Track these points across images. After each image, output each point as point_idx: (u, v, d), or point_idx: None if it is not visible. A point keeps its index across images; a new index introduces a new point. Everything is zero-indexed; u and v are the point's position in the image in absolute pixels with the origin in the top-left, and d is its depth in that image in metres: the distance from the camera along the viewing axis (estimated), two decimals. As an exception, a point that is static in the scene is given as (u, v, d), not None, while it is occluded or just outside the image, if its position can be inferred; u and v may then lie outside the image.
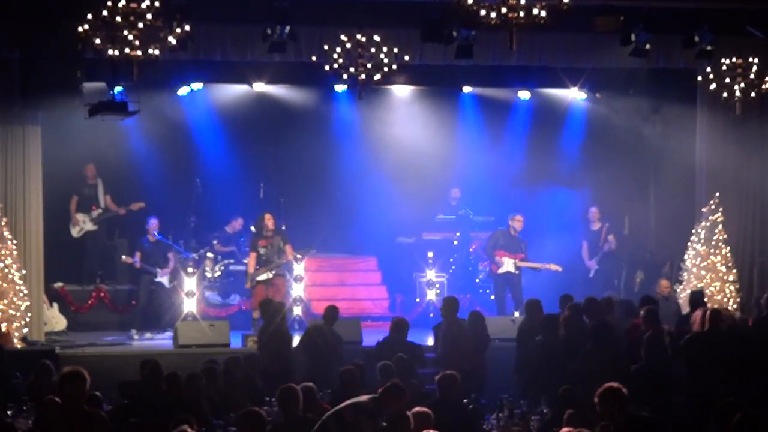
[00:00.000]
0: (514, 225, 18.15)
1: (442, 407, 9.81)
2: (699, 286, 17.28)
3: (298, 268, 17.55)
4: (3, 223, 15.96)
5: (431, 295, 18.75)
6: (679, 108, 18.78)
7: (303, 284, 17.62)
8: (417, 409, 9.05)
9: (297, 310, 17.39)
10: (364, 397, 9.35)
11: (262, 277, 17.13)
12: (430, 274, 19.00)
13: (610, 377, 11.65)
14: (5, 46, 15.65)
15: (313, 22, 16.16)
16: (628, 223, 20.71)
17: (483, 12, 12.34)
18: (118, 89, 15.42)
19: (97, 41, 13.12)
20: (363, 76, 14.91)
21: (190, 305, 16.98)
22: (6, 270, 15.73)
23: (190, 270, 17.22)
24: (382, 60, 14.85)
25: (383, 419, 9.19)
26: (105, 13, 12.90)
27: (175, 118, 19.80)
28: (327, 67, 15.03)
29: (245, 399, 11.35)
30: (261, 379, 12.51)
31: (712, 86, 16.18)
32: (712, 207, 17.85)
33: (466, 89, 20.44)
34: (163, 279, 17.78)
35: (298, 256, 17.50)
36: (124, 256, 18.27)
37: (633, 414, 8.48)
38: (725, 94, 16.13)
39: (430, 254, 19.11)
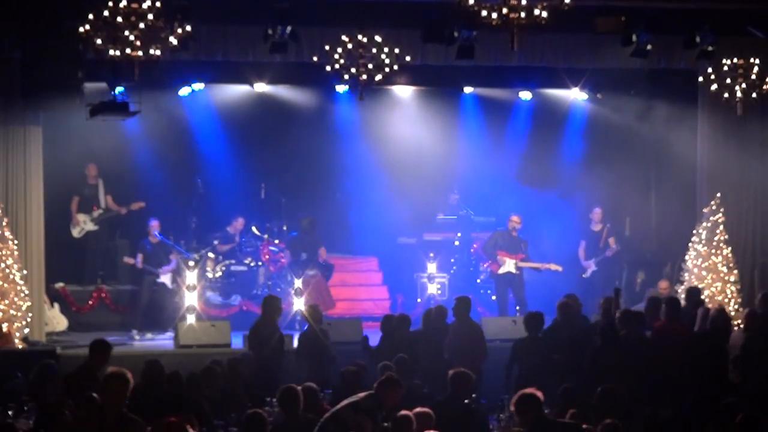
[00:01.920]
0: (513, 225, 18.20)
1: (453, 405, 9.82)
2: (700, 286, 17.30)
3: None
4: (4, 224, 15.96)
5: (432, 288, 18.77)
6: (680, 109, 18.78)
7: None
8: (418, 409, 9.06)
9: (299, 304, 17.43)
10: (360, 395, 9.37)
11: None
12: (431, 268, 19.02)
13: (615, 376, 11.73)
14: (6, 46, 15.65)
15: (314, 22, 16.15)
16: (629, 223, 20.70)
17: (484, 12, 12.35)
18: (119, 89, 15.41)
19: (99, 41, 13.11)
20: (364, 77, 14.90)
21: (191, 299, 16.92)
22: (7, 270, 15.73)
23: (191, 264, 17.22)
24: (383, 60, 14.85)
25: (383, 417, 9.21)
26: (106, 13, 12.89)
27: (176, 119, 19.82)
28: (328, 68, 15.02)
29: (246, 399, 11.36)
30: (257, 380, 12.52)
31: (713, 87, 16.18)
32: (713, 207, 17.86)
33: (467, 90, 20.42)
34: (165, 279, 17.78)
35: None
36: (125, 258, 18.27)
37: (543, 418, 8.44)
38: (726, 95, 16.13)
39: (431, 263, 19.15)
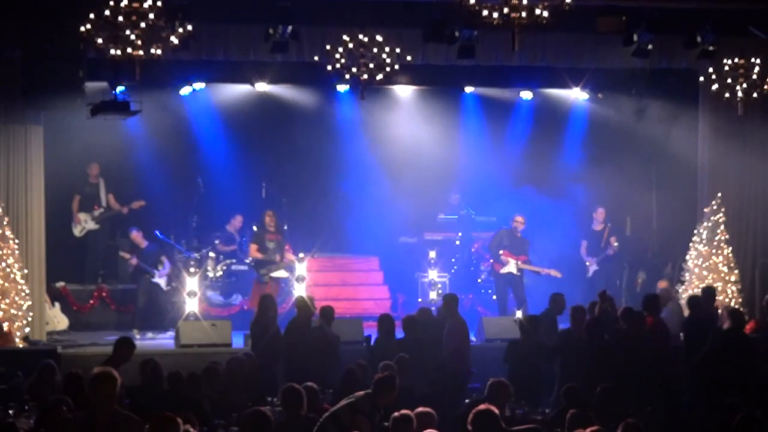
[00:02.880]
0: (517, 225, 18.18)
1: None
2: (701, 286, 17.28)
3: (301, 268, 17.50)
4: (5, 223, 15.96)
5: (433, 295, 18.67)
6: (681, 108, 18.77)
7: (305, 284, 17.58)
8: (420, 409, 9.03)
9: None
10: (359, 394, 9.37)
11: (277, 273, 17.25)
12: (432, 274, 18.94)
13: (602, 374, 11.74)
14: (7, 45, 15.64)
15: (316, 21, 16.16)
16: (630, 223, 20.70)
17: (485, 12, 12.37)
18: (120, 89, 15.41)
19: (100, 41, 13.11)
20: (365, 76, 14.91)
21: (192, 305, 16.84)
22: (8, 269, 15.73)
23: (192, 270, 17.16)
24: (385, 60, 14.85)
25: (381, 416, 9.21)
26: (107, 12, 12.90)
27: (177, 118, 19.82)
28: (329, 67, 15.03)
29: (246, 399, 11.37)
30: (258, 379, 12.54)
31: (714, 87, 16.18)
32: (714, 207, 17.86)
33: (468, 89, 20.42)
34: (160, 280, 17.79)
35: (301, 255, 17.52)
36: (121, 252, 18.27)
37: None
38: (727, 95, 16.13)
39: (432, 254, 19.03)
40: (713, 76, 16.16)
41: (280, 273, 17.52)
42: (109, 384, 7.88)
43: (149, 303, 17.82)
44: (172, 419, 7.88)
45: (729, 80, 16.05)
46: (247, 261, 18.66)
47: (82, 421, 8.04)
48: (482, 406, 8.28)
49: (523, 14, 12.33)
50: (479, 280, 19.80)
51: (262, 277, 17.34)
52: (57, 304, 17.55)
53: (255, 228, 18.71)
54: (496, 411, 8.27)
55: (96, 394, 7.90)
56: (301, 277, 17.53)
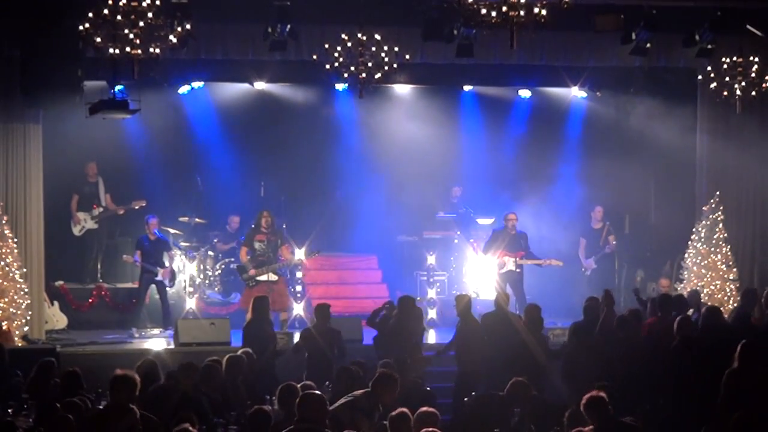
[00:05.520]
0: (510, 224, 18.13)
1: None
2: (699, 284, 17.30)
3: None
4: (4, 222, 15.97)
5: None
6: (680, 107, 18.77)
7: (302, 303, 17.48)
8: (423, 409, 9.01)
9: (298, 308, 17.44)
10: (358, 393, 9.37)
11: (263, 277, 17.07)
12: (431, 293, 18.86)
13: (593, 375, 11.74)
14: (6, 44, 15.66)
15: (314, 20, 16.18)
16: (629, 221, 20.70)
17: (484, 11, 12.35)
18: (118, 88, 15.40)
19: (98, 39, 13.09)
20: (364, 75, 14.90)
21: (190, 303, 16.68)
22: (7, 268, 15.74)
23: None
24: (383, 58, 14.84)
25: (380, 415, 9.20)
26: (106, 11, 12.87)
27: (175, 117, 19.85)
28: (328, 66, 15.02)
29: (246, 397, 11.37)
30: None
31: (713, 85, 16.20)
32: (713, 206, 17.87)
33: (467, 88, 20.43)
34: (162, 273, 17.78)
35: (300, 253, 17.45)
36: (125, 256, 18.30)
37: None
38: (725, 93, 16.16)
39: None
40: (711, 75, 16.19)
41: (267, 276, 17.12)
42: (132, 386, 7.90)
43: (150, 301, 17.81)
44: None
45: (727, 78, 16.07)
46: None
47: (95, 419, 8.04)
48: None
49: (522, 13, 12.32)
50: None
51: (247, 282, 17.17)
52: (56, 303, 17.56)
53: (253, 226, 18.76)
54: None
55: (118, 394, 7.91)
56: (300, 293, 17.39)
